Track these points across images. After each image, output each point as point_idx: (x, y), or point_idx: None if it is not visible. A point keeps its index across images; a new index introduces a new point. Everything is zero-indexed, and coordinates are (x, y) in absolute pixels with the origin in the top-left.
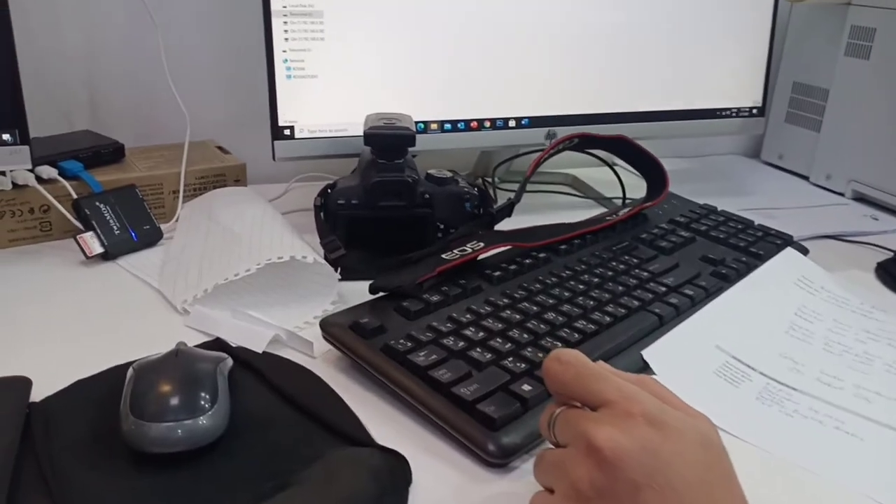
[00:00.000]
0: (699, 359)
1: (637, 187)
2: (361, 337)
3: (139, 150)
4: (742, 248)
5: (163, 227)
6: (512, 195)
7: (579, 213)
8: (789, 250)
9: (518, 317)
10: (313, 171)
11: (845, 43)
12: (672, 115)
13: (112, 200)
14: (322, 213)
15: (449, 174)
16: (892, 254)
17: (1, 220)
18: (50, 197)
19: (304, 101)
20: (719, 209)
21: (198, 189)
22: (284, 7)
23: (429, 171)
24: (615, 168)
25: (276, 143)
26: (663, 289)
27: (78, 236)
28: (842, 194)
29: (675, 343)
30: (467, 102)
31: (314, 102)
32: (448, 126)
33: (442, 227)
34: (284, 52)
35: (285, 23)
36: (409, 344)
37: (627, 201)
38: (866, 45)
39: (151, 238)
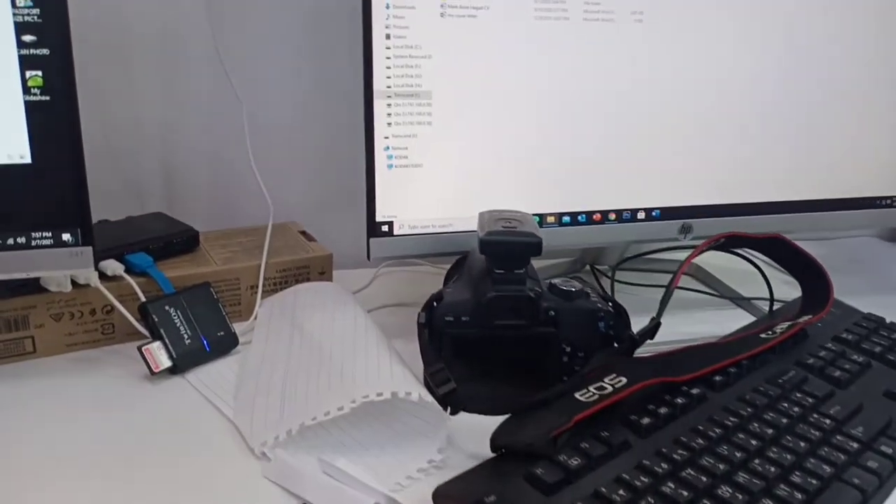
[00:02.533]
0: None
1: (776, 279)
2: None
3: (215, 236)
4: None
5: (238, 326)
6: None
7: (710, 315)
8: None
9: (685, 493)
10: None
11: None
12: (823, 206)
13: (183, 303)
14: (426, 330)
15: (578, 286)
16: None
17: (59, 322)
18: (114, 300)
19: (406, 193)
20: (888, 321)
21: (278, 283)
22: (389, 87)
23: (552, 282)
24: (755, 262)
25: (371, 240)
26: (854, 445)
27: (143, 347)
28: None
29: None
30: (588, 192)
31: (417, 194)
32: (567, 219)
33: (568, 349)
34: (386, 138)
35: (388, 104)
36: None
37: (775, 304)
38: None
39: (226, 346)
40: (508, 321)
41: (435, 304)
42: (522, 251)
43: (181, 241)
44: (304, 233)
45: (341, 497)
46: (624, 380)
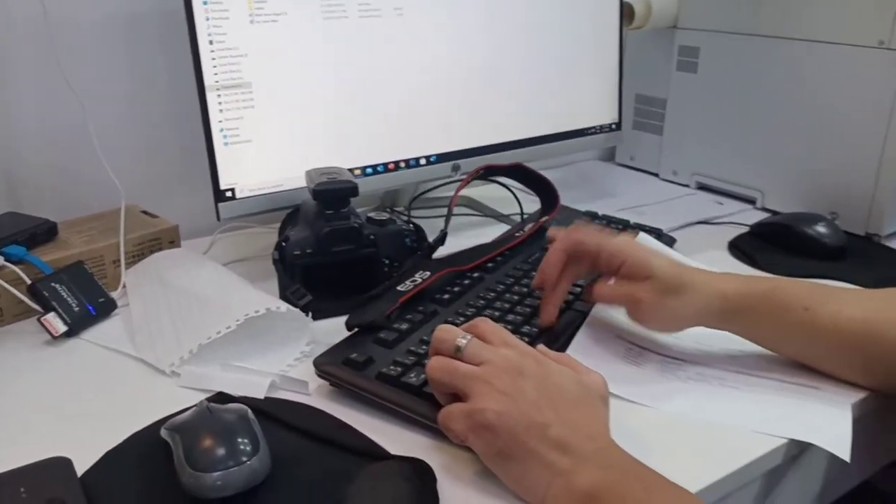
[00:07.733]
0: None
1: (525, 200)
2: (356, 370)
3: (68, 225)
4: None
5: (112, 294)
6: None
7: (483, 230)
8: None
9: None
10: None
11: (675, 60)
12: (551, 138)
13: (65, 279)
14: (280, 264)
15: (387, 215)
16: (742, 231)
17: None
18: (6, 285)
19: (242, 165)
20: (600, 213)
21: (136, 256)
22: (217, 82)
23: (369, 215)
24: (510, 188)
25: (219, 205)
26: (578, 289)
27: (42, 318)
28: (687, 185)
29: (590, 337)
30: (383, 148)
31: (251, 164)
32: (369, 170)
33: (387, 261)
34: (220, 122)
35: (219, 95)
36: (399, 369)
37: (525, 216)
38: (693, 61)
39: (108, 309)
40: (342, 247)
41: (284, 243)
42: (346, 193)
43: (42, 231)
44: (145, 212)
45: (246, 382)
46: (428, 273)
